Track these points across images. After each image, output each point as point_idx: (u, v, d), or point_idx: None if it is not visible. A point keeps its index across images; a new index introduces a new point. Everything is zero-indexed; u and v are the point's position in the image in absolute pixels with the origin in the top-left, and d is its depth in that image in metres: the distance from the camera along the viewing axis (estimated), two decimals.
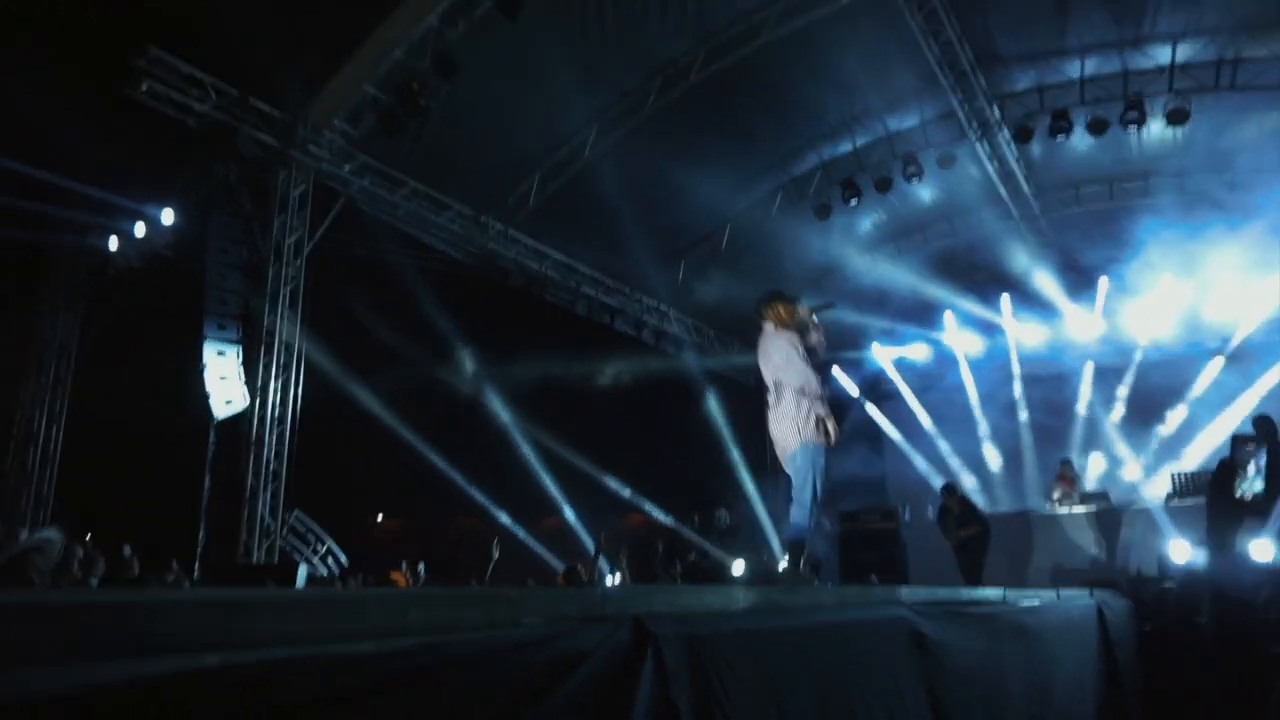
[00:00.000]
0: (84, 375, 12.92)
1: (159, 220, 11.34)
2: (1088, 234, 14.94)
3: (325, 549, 11.38)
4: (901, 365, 17.17)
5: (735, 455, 14.13)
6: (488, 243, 12.70)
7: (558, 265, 13.76)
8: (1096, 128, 12.38)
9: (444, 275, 12.25)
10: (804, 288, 16.09)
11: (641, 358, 14.73)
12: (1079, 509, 12.03)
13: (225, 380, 10.00)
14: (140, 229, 11.47)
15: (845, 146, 13.93)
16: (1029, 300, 15.63)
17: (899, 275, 15.56)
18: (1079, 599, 5.75)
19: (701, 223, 14.70)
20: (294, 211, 10.44)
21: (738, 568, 10.95)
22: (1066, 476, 12.88)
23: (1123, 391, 15.45)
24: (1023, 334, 16.08)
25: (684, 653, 1.76)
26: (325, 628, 1.04)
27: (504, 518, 13.90)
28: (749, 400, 17.07)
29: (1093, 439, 15.48)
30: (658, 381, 14.61)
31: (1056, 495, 12.53)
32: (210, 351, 9.93)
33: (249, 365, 9.97)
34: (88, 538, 8.20)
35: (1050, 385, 15.87)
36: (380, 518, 22.21)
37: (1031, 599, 4.82)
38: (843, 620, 2.76)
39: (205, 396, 9.99)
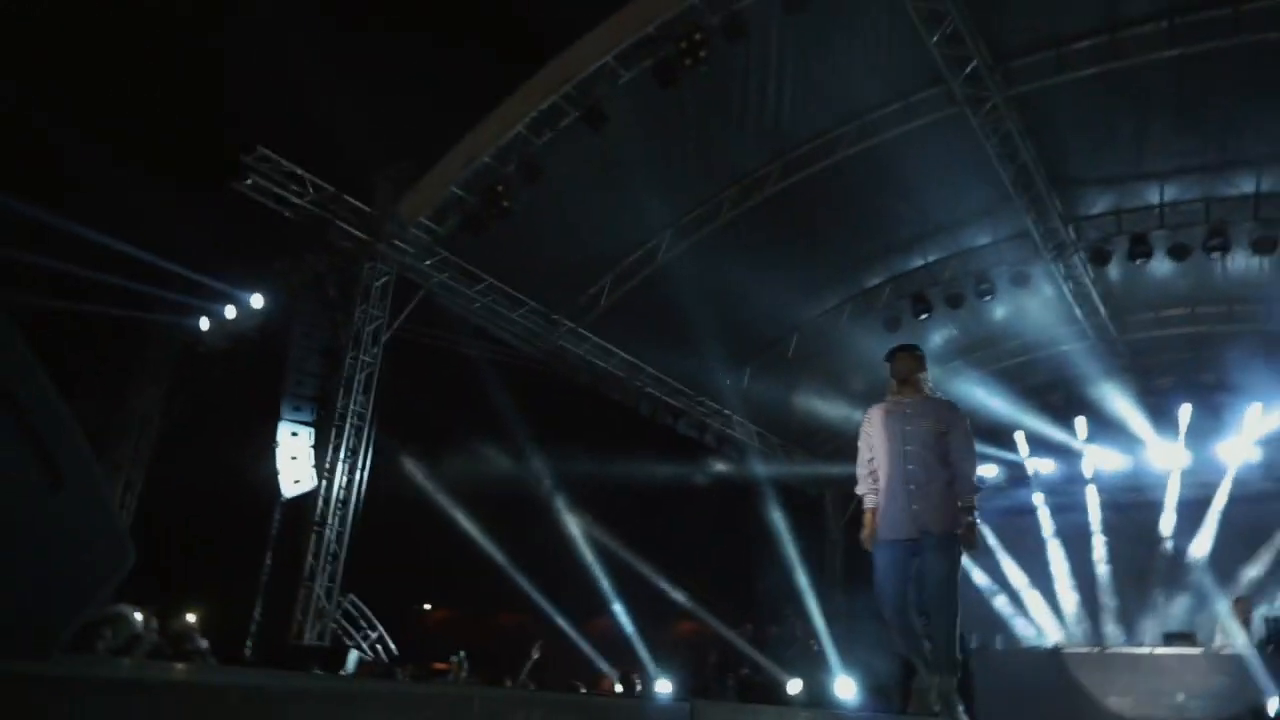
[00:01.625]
0: (163, 447, 13.37)
1: (248, 304, 11.90)
2: (1169, 358, 14.53)
3: (376, 636, 11.31)
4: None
5: (796, 566, 13.76)
6: (557, 339, 12.94)
7: (624, 364, 13.90)
8: (1178, 253, 12.13)
9: (513, 369, 12.50)
10: (871, 399, 15.94)
11: (703, 462, 14.63)
12: (1161, 650, 11.26)
13: (295, 460, 10.25)
14: (230, 311, 12.04)
15: (917, 260, 13.96)
16: (1107, 424, 15.11)
17: (969, 391, 15.28)
18: None
19: (770, 329, 14.76)
20: (375, 301, 10.85)
21: (793, 687, 10.52)
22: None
23: (1208, 525, 14.67)
24: (1100, 458, 15.50)
25: None
26: None
27: (555, 614, 13.69)
28: (812, 512, 16.80)
29: (1175, 574, 14.65)
30: (719, 487, 14.46)
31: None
32: (284, 431, 10.24)
33: (320, 447, 10.20)
34: (147, 613, 8.30)
35: (1129, 513, 15.15)
36: (429, 607, 22.05)
37: None
38: None
39: (275, 475, 10.24)
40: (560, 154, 10.65)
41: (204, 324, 12.43)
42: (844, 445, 16.75)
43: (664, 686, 11.47)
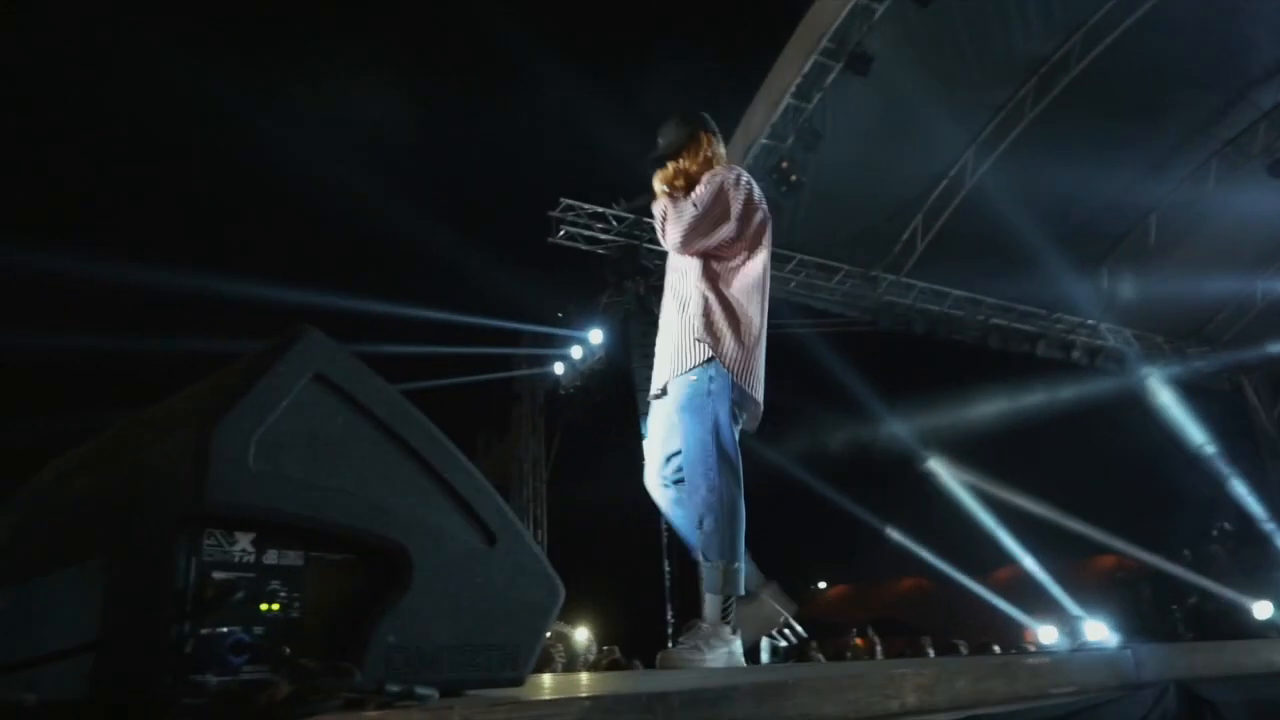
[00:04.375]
0: (554, 486, 15.03)
1: (589, 341, 13.01)
2: None
3: (783, 620, 11.66)
4: None
5: (1222, 470, 11.95)
6: (881, 296, 12.51)
7: (960, 302, 13.05)
8: None
9: (846, 336, 12.31)
10: (1268, 262, 13.42)
11: (1077, 383, 13.24)
12: None
13: None
14: (577, 352, 13.24)
15: None
16: None
17: None
18: None
19: (1118, 220, 13.02)
20: None
21: (1262, 610, 9.10)
22: None
23: None
24: None
25: None
26: (863, 704, 1.05)
27: (954, 572, 13.17)
28: (1229, 407, 14.45)
29: None
30: (1103, 406, 12.99)
31: None
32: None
33: None
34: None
35: None
36: (824, 585, 22.34)
37: None
38: None
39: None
40: (835, 112, 10.33)
41: (559, 369, 13.80)
42: (1252, 325, 14.25)
43: (1097, 630, 10.48)
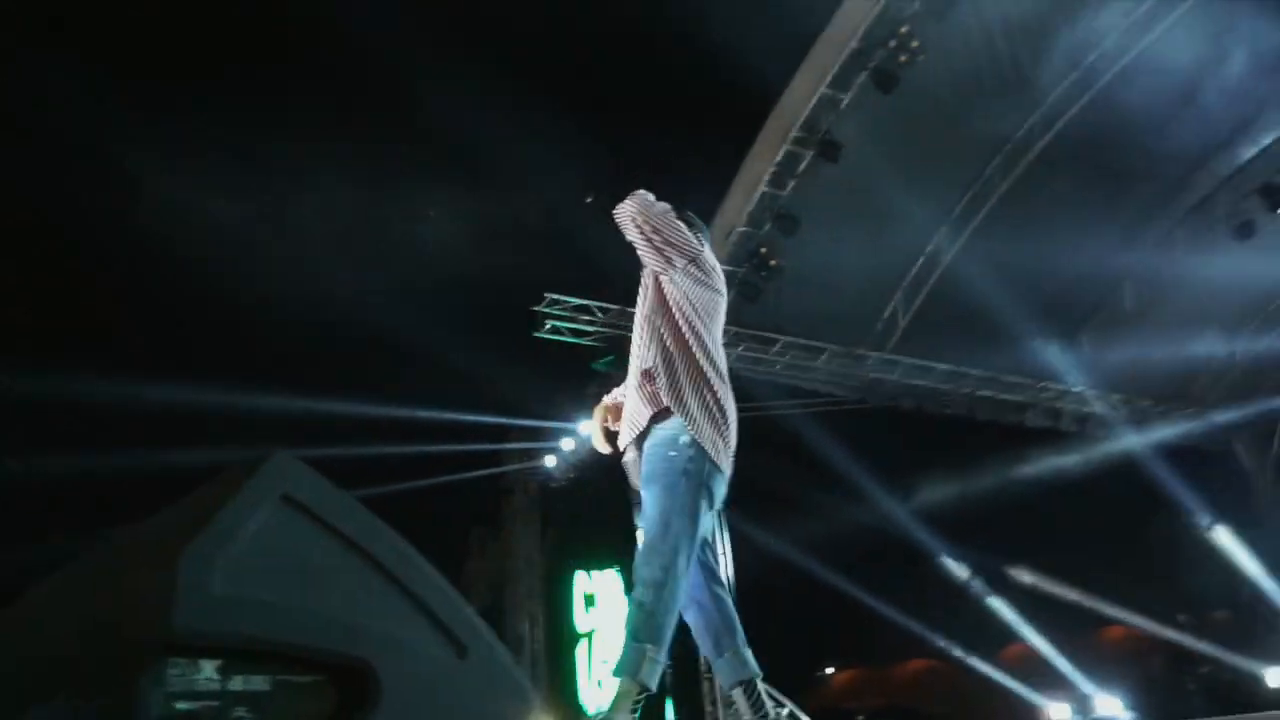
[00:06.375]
0: (549, 581, 14.76)
1: (579, 433, 12.97)
2: None
3: (788, 712, 11.32)
4: None
5: (1218, 535, 11.87)
6: (868, 373, 12.60)
7: (946, 375, 13.13)
8: None
9: (833, 416, 12.34)
10: (1247, 324, 13.63)
11: (1068, 451, 13.26)
12: None
13: None
14: (568, 444, 13.18)
15: (1246, 150, 11.91)
16: None
17: None
18: None
19: (1093, 288, 13.25)
20: None
21: (1274, 677, 8.91)
22: None
23: None
24: None
25: None
26: None
27: (962, 653, 12.88)
28: (1221, 466, 14.43)
29: None
30: (1096, 473, 12.97)
31: None
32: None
33: None
34: None
35: None
36: (831, 671, 21.76)
37: None
38: None
39: None
40: (809, 196, 10.62)
41: (550, 461, 13.72)
42: (1235, 384, 14.38)
43: (1110, 705, 10.22)
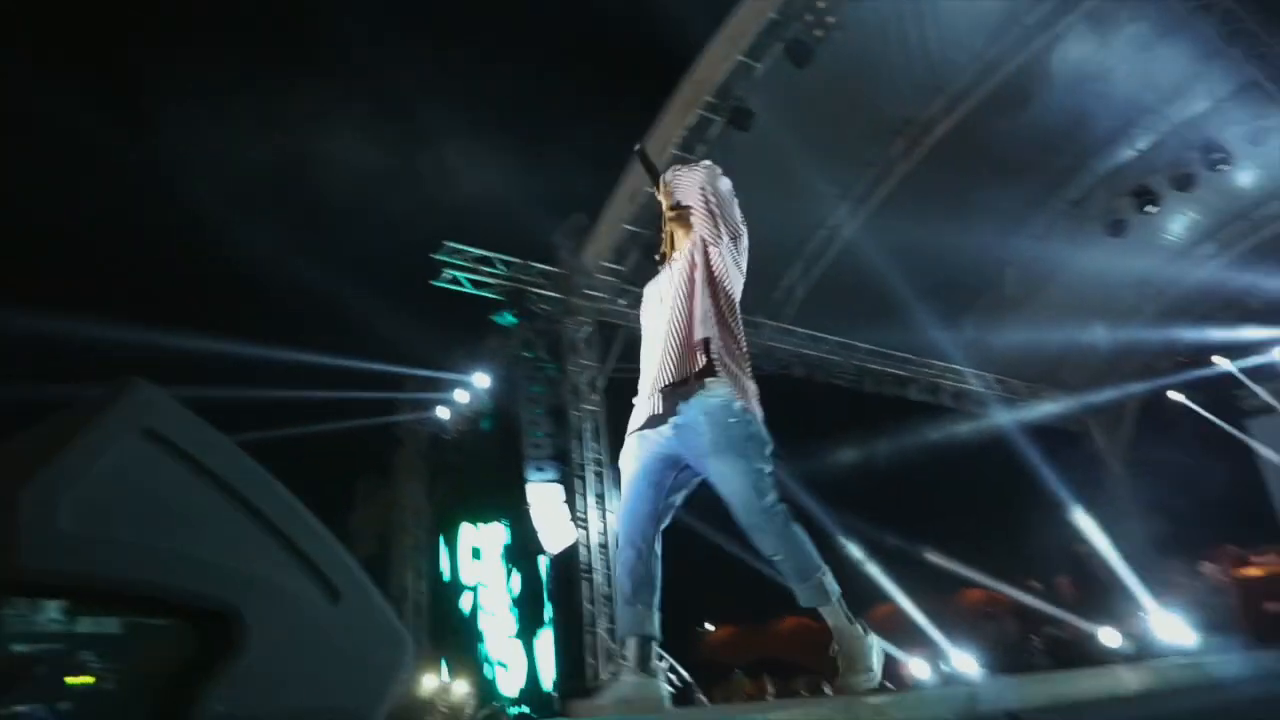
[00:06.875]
0: (436, 532, 14.61)
1: (474, 385, 12.80)
2: None
3: (667, 666, 11.64)
4: (1263, 374, 14.67)
5: (1072, 509, 12.74)
6: (764, 341, 12.87)
7: (837, 347, 13.56)
8: None
9: None
10: (1112, 316, 14.52)
11: (945, 423, 13.94)
12: None
13: (552, 517, 10.83)
14: (462, 396, 13.00)
15: (1125, 152, 12.63)
16: None
17: (1229, 275, 13.57)
18: None
19: (979, 273, 13.87)
20: (583, 352, 11.32)
21: (1108, 637, 9.68)
22: None
23: None
24: None
25: None
26: None
27: None
28: (1078, 446, 15.48)
29: None
30: (969, 446, 13.70)
31: None
32: (533, 492, 10.86)
33: (570, 500, 10.73)
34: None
35: None
36: (710, 627, 22.41)
37: None
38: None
39: (535, 535, 10.88)
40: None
41: (443, 413, 13.51)
42: (1098, 370, 15.36)
43: (964, 662, 10.92)
